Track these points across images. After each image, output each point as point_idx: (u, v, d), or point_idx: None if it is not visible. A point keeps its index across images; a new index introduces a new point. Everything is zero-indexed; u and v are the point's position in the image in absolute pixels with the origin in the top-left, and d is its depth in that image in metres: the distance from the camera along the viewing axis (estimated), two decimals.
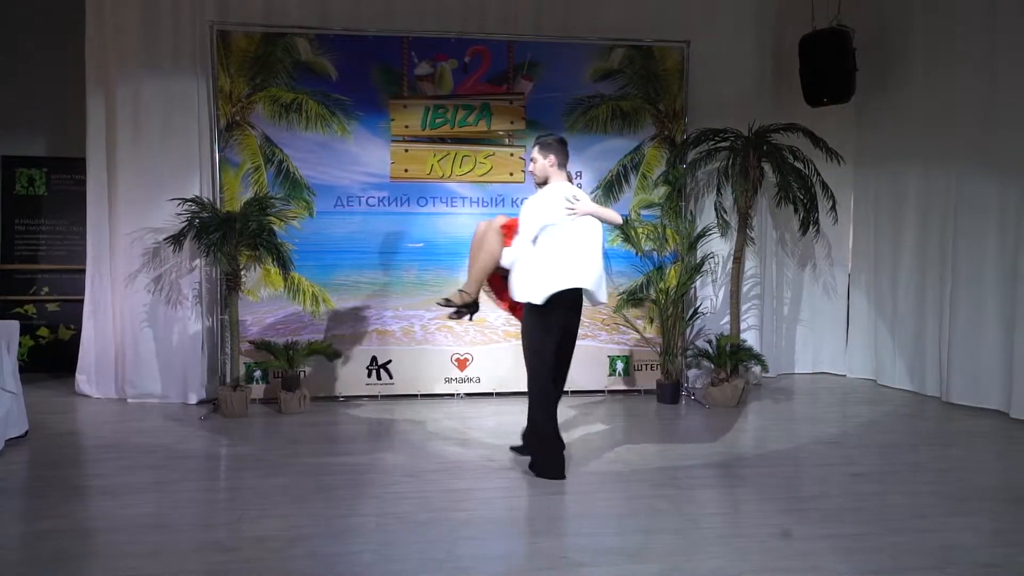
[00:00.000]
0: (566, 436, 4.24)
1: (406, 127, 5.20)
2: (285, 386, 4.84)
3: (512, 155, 5.33)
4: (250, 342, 4.96)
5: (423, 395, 5.22)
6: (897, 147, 5.61)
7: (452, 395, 5.28)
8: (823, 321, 6.26)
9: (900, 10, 5.48)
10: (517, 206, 5.33)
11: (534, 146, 3.67)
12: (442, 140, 5.25)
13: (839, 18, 5.41)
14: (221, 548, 2.68)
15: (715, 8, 5.60)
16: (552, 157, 3.59)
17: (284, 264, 4.77)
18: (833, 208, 5.30)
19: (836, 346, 6.25)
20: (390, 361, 5.22)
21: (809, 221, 5.20)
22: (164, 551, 2.66)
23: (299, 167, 5.08)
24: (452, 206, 5.30)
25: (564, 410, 4.94)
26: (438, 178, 5.26)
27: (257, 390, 5.01)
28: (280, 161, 5.06)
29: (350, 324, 5.19)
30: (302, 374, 4.95)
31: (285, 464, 3.75)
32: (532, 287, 3.40)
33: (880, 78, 5.63)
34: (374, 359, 5.21)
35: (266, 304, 5.10)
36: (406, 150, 5.22)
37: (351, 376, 5.17)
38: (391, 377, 5.23)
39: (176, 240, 4.69)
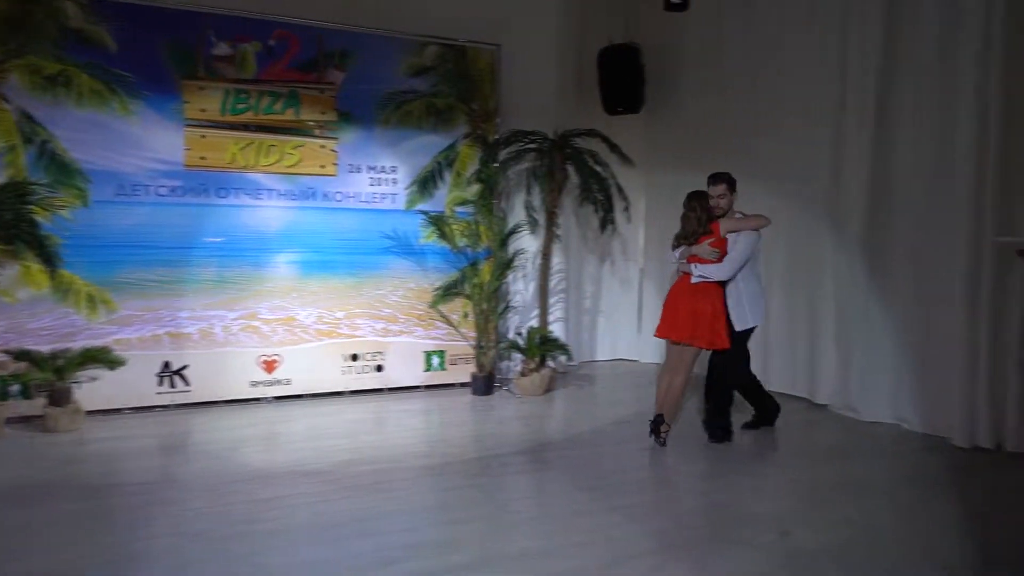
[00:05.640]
0: (380, 435, 4.23)
1: (203, 111, 4.78)
2: (53, 401, 4.21)
3: (323, 147, 5.14)
4: (5, 351, 4.24)
5: (226, 401, 4.86)
6: (679, 153, 6.28)
7: (259, 400, 4.98)
8: (620, 312, 6.87)
9: (679, 27, 6.08)
10: (329, 199, 5.17)
11: (723, 183, 4.06)
12: (245, 127, 4.91)
13: (631, 34, 5.94)
14: None
15: (524, 15, 5.86)
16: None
17: (50, 260, 4.17)
18: (627, 209, 5.83)
19: (631, 334, 6.89)
20: (186, 366, 4.78)
21: (607, 220, 5.66)
22: None
23: (69, 149, 4.44)
24: (257, 198, 4.98)
25: (380, 408, 4.91)
26: (241, 168, 4.91)
27: (15, 407, 4.30)
28: (44, 141, 4.38)
29: (136, 327, 4.66)
30: (75, 386, 4.34)
31: (54, 491, 3.27)
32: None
33: (665, 90, 6.28)
34: (167, 365, 4.74)
35: (27, 307, 4.38)
36: (203, 136, 4.80)
37: (139, 385, 4.65)
38: (188, 384, 4.79)
39: None
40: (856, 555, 2.63)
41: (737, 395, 4.32)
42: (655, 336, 4.29)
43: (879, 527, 2.91)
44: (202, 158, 4.80)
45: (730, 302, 4.05)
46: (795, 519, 3.00)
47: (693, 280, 4.00)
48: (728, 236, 4.02)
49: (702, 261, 3.99)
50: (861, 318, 4.67)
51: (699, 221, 4.05)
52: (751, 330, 4.12)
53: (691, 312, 3.99)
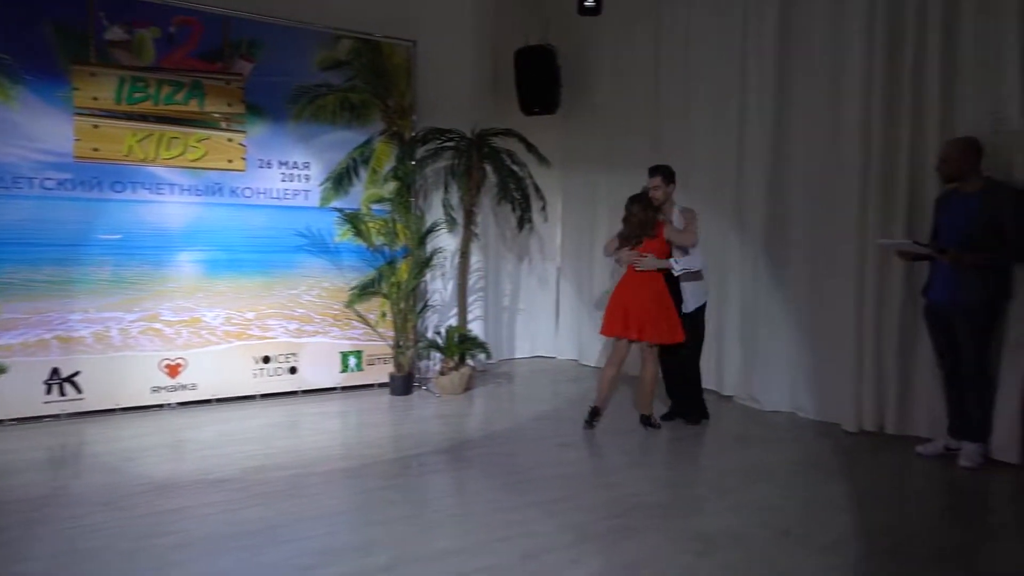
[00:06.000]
0: (294, 438, 4.11)
1: (95, 99, 4.47)
2: None
3: (230, 140, 4.92)
4: None
5: (124, 409, 4.57)
6: (592, 153, 6.46)
7: (162, 406, 4.72)
8: (538, 310, 6.96)
9: (594, 32, 6.26)
10: (237, 195, 4.96)
11: (659, 175, 4.27)
12: (143, 118, 4.62)
13: (547, 36, 6.03)
14: None
15: (440, 13, 5.83)
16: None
17: None
18: (544, 208, 5.91)
19: (548, 332, 7.00)
20: (78, 372, 4.46)
21: (524, 219, 5.73)
22: None
23: None
24: (158, 193, 4.71)
25: (294, 412, 4.76)
26: (139, 161, 4.62)
27: None
28: None
29: (21, 331, 4.30)
30: None
31: None
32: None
33: (580, 93, 6.43)
34: (55, 371, 4.40)
35: None
36: (96, 126, 4.49)
37: (24, 394, 4.30)
38: (80, 391, 4.47)
39: None
40: (754, 536, 2.79)
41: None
42: (601, 333, 4.41)
43: (776, 508, 3.09)
44: (95, 149, 4.49)
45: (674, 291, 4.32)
46: (702, 505, 3.15)
47: (676, 272, 4.23)
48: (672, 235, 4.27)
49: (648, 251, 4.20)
50: (763, 314, 4.94)
51: (642, 225, 4.20)
52: (699, 313, 4.36)
53: (643, 309, 4.14)
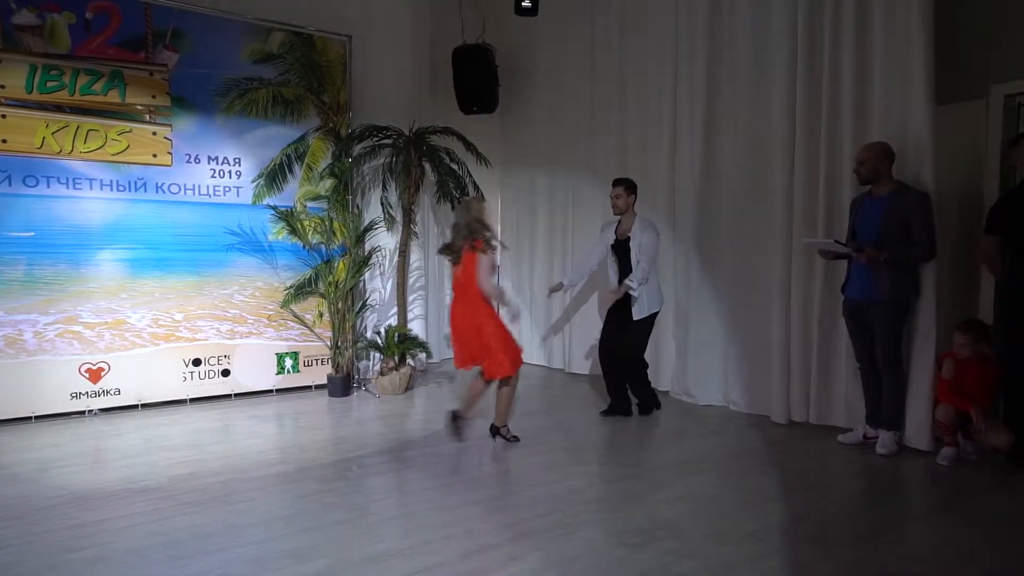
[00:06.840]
0: (226, 444, 3.97)
1: (2, 87, 4.20)
2: None
3: (155, 134, 4.70)
4: None
5: (40, 417, 4.31)
6: (530, 152, 6.51)
7: (83, 412, 4.47)
8: None
9: (532, 33, 6.32)
10: (163, 192, 4.75)
11: (620, 186, 4.48)
12: (59, 108, 4.37)
13: (484, 36, 6.02)
14: None
15: (376, 7, 5.74)
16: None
17: None
18: None
19: None
20: None
21: None
22: None
23: None
24: (76, 188, 4.46)
25: (227, 416, 4.60)
26: (54, 154, 4.37)
27: None
28: None
29: None
30: None
31: None
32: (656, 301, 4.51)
33: (518, 92, 6.46)
34: None
35: None
36: (3, 116, 4.21)
37: None
38: None
39: None
40: (688, 527, 2.87)
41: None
42: (456, 367, 4.04)
43: (709, 499, 3.19)
44: (3, 141, 4.22)
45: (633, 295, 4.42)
46: (638, 499, 3.21)
47: (635, 292, 4.33)
48: (632, 236, 4.37)
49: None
50: (696, 313, 5.08)
51: (457, 236, 3.88)
52: (653, 317, 4.51)
53: (478, 342, 3.84)
